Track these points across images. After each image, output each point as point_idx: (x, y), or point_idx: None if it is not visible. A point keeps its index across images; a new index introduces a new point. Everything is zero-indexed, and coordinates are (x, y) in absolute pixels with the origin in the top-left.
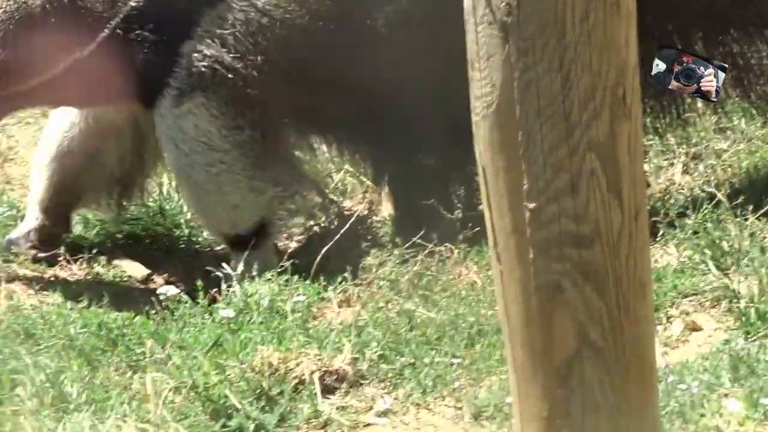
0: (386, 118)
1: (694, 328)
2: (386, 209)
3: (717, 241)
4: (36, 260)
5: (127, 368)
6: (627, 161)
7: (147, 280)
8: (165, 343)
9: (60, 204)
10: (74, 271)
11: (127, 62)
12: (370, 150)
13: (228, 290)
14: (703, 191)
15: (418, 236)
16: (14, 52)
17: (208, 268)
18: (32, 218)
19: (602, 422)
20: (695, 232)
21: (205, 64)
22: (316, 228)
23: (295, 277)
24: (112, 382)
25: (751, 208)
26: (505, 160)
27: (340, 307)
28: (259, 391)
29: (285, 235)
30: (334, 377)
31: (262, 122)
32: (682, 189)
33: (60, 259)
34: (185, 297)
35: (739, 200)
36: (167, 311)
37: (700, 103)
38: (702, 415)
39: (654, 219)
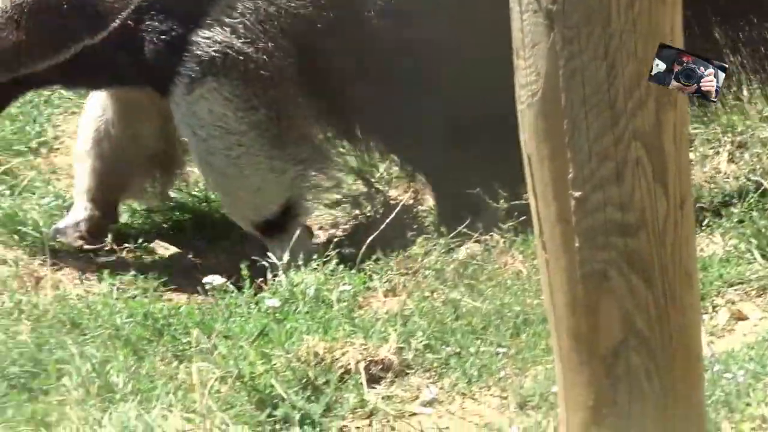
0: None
1: (740, 317)
2: (431, 199)
3: (763, 230)
4: (83, 250)
5: (173, 358)
6: (672, 150)
7: (192, 269)
8: (211, 333)
9: (106, 192)
10: (120, 261)
11: (138, 51)
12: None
13: (274, 280)
14: (749, 180)
15: (464, 225)
16: (27, 35)
17: (253, 257)
18: (81, 208)
19: (648, 411)
20: (741, 221)
21: (215, 49)
22: (361, 217)
23: (341, 267)
24: (158, 372)
25: None
26: (550, 149)
27: (385, 296)
28: (304, 380)
29: (330, 223)
30: (380, 367)
31: (277, 102)
32: (728, 178)
33: (106, 248)
34: (231, 286)
35: None
36: (213, 301)
37: (746, 92)
38: (748, 404)
39: (699, 207)
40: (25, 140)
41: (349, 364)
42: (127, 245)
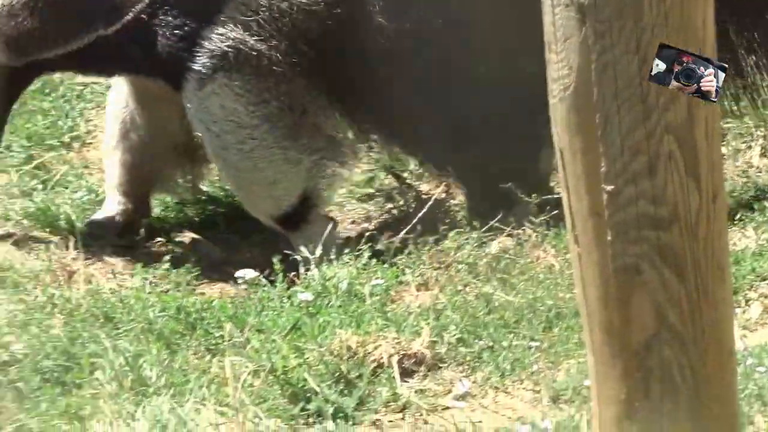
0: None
1: None
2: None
3: None
4: (115, 244)
5: (206, 352)
6: (705, 144)
7: (225, 263)
8: (244, 327)
9: (137, 185)
10: (153, 255)
11: (151, 45)
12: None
13: (306, 273)
14: None
15: (496, 220)
16: (42, 22)
17: (286, 251)
18: (113, 203)
19: (681, 405)
20: None
21: (228, 44)
22: (394, 211)
23: (374, 261)
24: (191, 366)
25: None
26: (582, 143)
27: (418, 290)
28: (337, 374)
29: (363, 217)
30: (413, 360)
31: (289, 95)
32: (760, 172)
33: (139, 242)
34: (264, 280)
35: None
36: (246, 295)
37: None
38: None
39: (732, 201)
40: (57, 135)
41: (382, 357)
42: (159, 239)
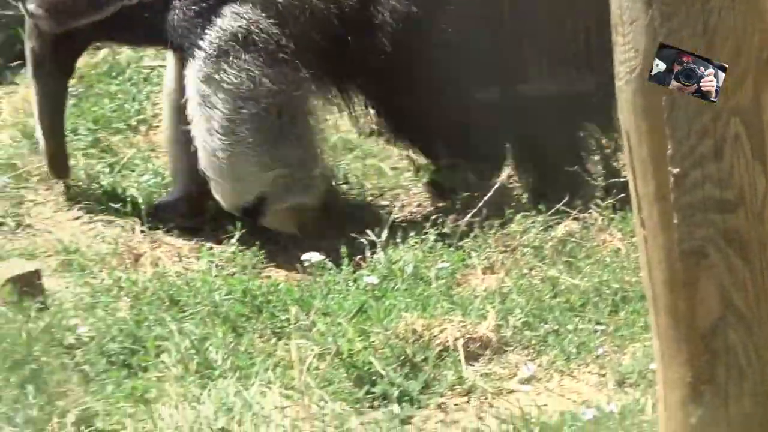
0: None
1: None
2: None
3: None
4: (181, 227)
5: (272, 335)
6: None
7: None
8: (309, 310)
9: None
10: (219, 238)
11: (169, 18)
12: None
13: (372, 257)
14: None
15: (562, 203)
16: None
17: (352, 234)
18: (180, 186)
19: (746, 388)
20: None
21: (241, 24)
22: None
23: (439, 244)
24: (257, 349)
25: None
26: (648, 125)
27: (484, 273)
28: (403, 357)
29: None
30: (478, 344)
31: (284, 95)
32: None
33: (205, 225)
34: (330, 263)
35: None
36: (312, 278)
37: None
38: None
39: None
40: (124, 118)
41: (447, 341)
42: (226, 222)
